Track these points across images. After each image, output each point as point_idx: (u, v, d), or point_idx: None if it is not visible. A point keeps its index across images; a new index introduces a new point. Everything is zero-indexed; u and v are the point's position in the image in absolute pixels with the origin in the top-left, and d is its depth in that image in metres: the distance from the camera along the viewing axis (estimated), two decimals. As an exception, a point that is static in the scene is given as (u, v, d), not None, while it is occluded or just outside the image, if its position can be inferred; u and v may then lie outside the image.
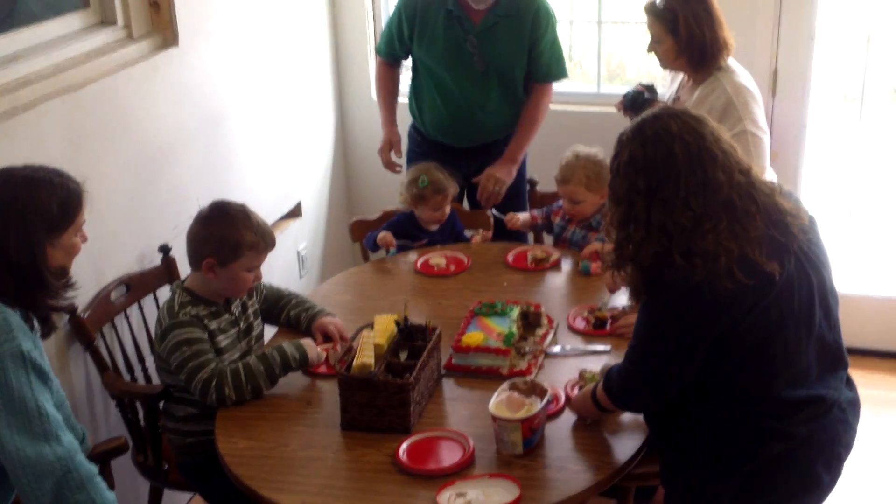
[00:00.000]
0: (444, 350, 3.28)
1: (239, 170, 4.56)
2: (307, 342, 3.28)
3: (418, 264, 4.00)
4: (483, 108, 4.47)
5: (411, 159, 4.65)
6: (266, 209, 4.63)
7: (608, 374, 2.85)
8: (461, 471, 2.78)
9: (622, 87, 4.87)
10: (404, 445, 2.88)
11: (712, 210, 2.52)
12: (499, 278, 3.90)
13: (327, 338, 3.46)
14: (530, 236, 4.46)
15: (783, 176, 4.56)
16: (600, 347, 3.32)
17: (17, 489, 2.58)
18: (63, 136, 3.47)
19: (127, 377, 3.73)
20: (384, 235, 4.20)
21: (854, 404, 2.78)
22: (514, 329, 3.33)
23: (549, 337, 3.39)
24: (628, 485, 3.30)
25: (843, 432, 2.72)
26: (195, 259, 3.26)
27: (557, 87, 5.49)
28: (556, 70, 4.54)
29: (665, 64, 3.97)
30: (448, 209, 4.27)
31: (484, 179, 4.43)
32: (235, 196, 4.27)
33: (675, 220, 2.52)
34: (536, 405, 2.84)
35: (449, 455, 2.85)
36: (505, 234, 4.34)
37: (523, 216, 4.22)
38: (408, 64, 4.72)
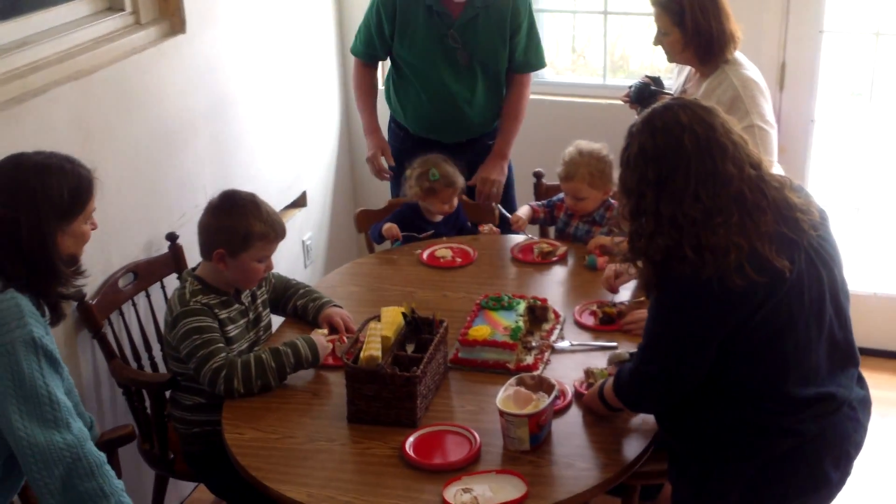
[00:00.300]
0: (450, 343, 3.28)
1: (245, 158, 4.55)
2: (319, 340, 3.27)
3: (424, 256, 3.99)
4: (469, 103, 4.45)
5: (395, 158, 4.58)
6: (272, 198, 4.58)
7: (618, 375, 2.85)
8: (468, 466, 2.78)
9: (627, 80, 4.86)
10: (411, 439, 2.88)
11: (723, 203, 2.52)
12: (505, 271, 3.90)
13: (334, 329, 3.46)
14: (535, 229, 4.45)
15: (791, 170, 4.53)
16: (608, 344, 3.31)
17: (27, 476, 2.58)
18: (71, 122, 3.46)
19: (134, 365, 3.73)
20: (389, 227, 4.19)
21: (865, 402, 2.78)
22: (521, 323, 3.33)
23: (556, 332, 3.39)
24: (634, 483, 3.30)
25: (852, 430, 2.71)
26: (206, 249, 3.26)
27: (563, 78, 5.51)
28: (535, 60, 4.52)
29: (671, 56, 3.96)
30: (456, 201, 4.26)
31: (480, 184, 4.43)
32: (241, 184, 4.28)
33: (685, 212, 2.52)
34: (544, 401, 2.83)
35: (456, 450, 2.85)
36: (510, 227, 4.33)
37: (524, 212, 4.20)
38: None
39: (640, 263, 2.65)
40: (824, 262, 2.64)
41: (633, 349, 2.96)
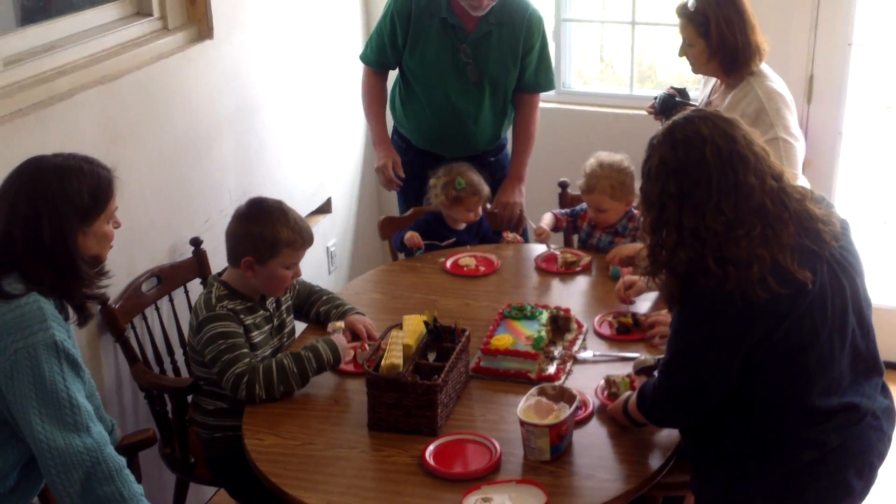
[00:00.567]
0: (471, 352, 3.27)
1: (271, 164, 4.56)
2: (339, 341, 3.28)
3: (447, 264, 3.99)
4: (475, 119, 4.42)
5: None
6: (297, 204, 4.56)
7: (641, 391, 2.83)
8: (487, 475, 2.77)
9: (654, 91, 4.84)
10: (431, 448, 2.87)
11: (745, 215, 2.51)
12: (528, 280, 3.90)
13: (356, 336, 3.46)
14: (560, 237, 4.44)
15: (817, 183, 4.52)
16: (631, 354, 3.29)
17: (46, 478, 2.59)
18: (97, 127, 3.48)
19: (156, 369, 3.74)
20: (411, 236, 4.19)
21: (889, 412, 2.76)
22: (544, 333, 3.32)
23: (579, 342, 3.38)
24: (655, 494, 3.27)
25: (876, 440, 2.70)
26: (234, 257, 3.27)
27: (589, 88, 5.50)
28: (544, 81, 4.49)
29: (696, 68, 3.94)
30: (480, 210, 4.26)
31: (502, 209, 4.41)
32: (266, 191, 4.29)
33: (708, 224, 2.51)
34: (565, 411, 2.82)
35: (476, 459, 2.84)
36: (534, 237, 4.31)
37: (547, 220, 4.19)
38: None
39: (662, 276, 2.63)
40: (846, 272, 2.63)
41: (658, 356, 2.95)
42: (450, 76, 4.33)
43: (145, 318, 3.74)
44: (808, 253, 2.55)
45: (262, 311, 3.33)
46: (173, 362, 3.85)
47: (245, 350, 3.18)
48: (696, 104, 4.06)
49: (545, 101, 4.81)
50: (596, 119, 5.19)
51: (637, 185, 3.84)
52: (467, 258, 4.02)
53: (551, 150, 5.08)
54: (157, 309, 3.80)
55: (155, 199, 3.79)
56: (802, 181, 3.75)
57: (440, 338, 3.18)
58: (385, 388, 2.95)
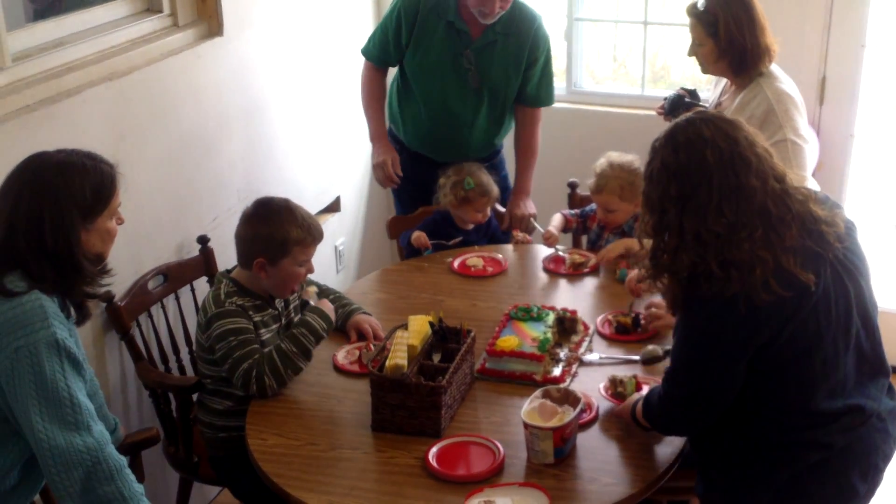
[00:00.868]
0: (477, 353, 3.26)
1: (279, 162, 4.56)
2: (323, 305, 3.30)
3: (455, 264, 3.98)
4: (470, 127, 4.39)
5: None
6: (305, 203, 4.55)
7: (647, 400, 2.81)
8: (490, 478, 2.76)
9: (666, 91, 4.82)
10: (434, 449, 2.86)
11: (746, 217, 2.50)
12: (536, 282, 3.88)
13: (361, 336, 3.45)
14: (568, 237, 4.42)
15: (829, 185, 4.50)
16: (637, 358, 3.27)
17: (47, 477, 2.58)
18: (106, 123, 3.48)
19: (161, 368, 3.74)
20: (418, 236, 4.18)
21: (894, 414, 2.74)
22: (550, 335, 3.30)
23: (585, 344, 3.36)
24: (660, 498, 3.26)
25: (881, 442, 2.69)
26: (245, 259, 3.27)
27: (601, 88, 5.48)
28: (545, 96, 4.46)
29: (705, 67, 3.92)
30: (489, 211, 4.24)
31: (517, 224, 4.36)
32: (275, 189, 4.29)
33: (709, 227, 2.50)
34: (569, 414, 2.80)
35: (479, 461, 2.83)
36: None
37: (556, 221, 4.17)
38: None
39: (664, 280, 2.62)
40: (850, 274, 2.62)
41: (667, 346, 2.95)
42: (449, 80, 4.30)
43: (151, 317, 3.74)
44: (811, 255, 2.54)
45: (270, 310, 3.32)
46: (178, 361, 3.84)
47: (256, 346, 3.18)
48: (706, 106, 4.04)
49: (557, 101, 4.79)
50: (607, 119, 5.17)
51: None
52: (475, 258, 4.01)
53: (561, 150, 5.06)
54: (163, 307, 3.80)
55: (162, 197, 3.79)
56: (812, 183, 3.74)
57: (445, 339, 3.17)
58: (389, 388, 2.94)
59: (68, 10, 3.54)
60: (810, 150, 3.74)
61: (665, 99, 4.15)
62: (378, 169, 4.42)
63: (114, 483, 2.57)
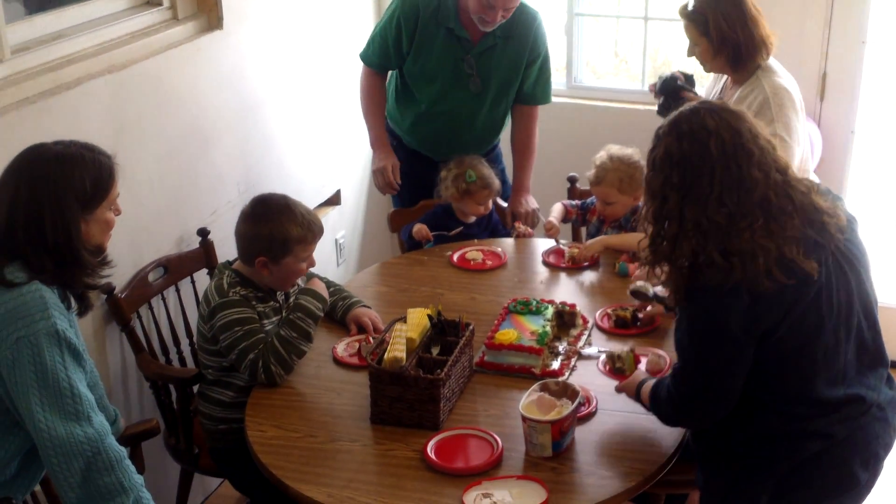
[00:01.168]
0: (476, 346, 3.26)
1: (279, 155, 4.56)
2: (314, 285, 3.32)
3: (454, 258, 3.98)
4: (470, 129, 4.39)
5: None
6: (305, 196, 4.60)
7: (655, 394, 2.79)
8: (489, 471, 2.76)
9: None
10: (433, 442, 2.87)
11: (748, 208, 2.51)
12: (535, 275, 3.88)
13: (361, 329, 3.45)
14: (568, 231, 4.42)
15: (830, 181, 4.46)
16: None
17: (47, 468, 2.59)
18: (105, 116, 3.48)
19: (162, 359, 3.74)
20: (419, 229, 4.18)
21: (894, 403, 2.75)
22: (549, 328, 3.31)
23: (584, 338, 3.36)
24: (658, 492, 3.26)
25: (881, 431, 2.70)
26: (246, 256, 3.28)
27: (601, 83, 5.48)
28: (541, 94, 4.45)
29: (706, 67, 3.93)
30: (490, 204, 4.25)
31: (522, 219, 4.34)
32: (275, 182, 4.29)
33: (710, 216, 2.51)
34: (567, 407, 2.81)
35: (477, 454, 2.83)
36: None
37: (557, 211, 4.17)
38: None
39: (665, 268, 2.62)
40: (851, 264, 2.63)
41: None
42: (450, 85, 4.29)
43: (151, 308, 3.74)
44: (813, 244, 2.55)
45: (272, 302, 3.33)
46: (179, 352, 3.85)
47: (261, 335, 3.20)
48: (697, 93, 4.03)
49: (557, 95, 4.80)
50: (607, 114, 5.17)
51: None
52: (474, 252, 4.01)
53: (561, 145, 5.06)
54: (164, 299, 3.80)
55: (162, 190, 3.79)
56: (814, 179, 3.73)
57: (444, 332, 3.17)
58: (388, 381, 2.95)
59: (68, 3, 3.53)
60: (798, 151, 3.73)
61: (659, 77, 4.16)
62: (378, 175, 4.40)
63: (114, 474, 2.58)
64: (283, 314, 3.35)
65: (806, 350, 2.56)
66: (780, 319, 2.51)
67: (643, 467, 2.79)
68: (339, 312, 3.53)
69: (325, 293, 3.32)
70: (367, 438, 2.96)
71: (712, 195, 2.51)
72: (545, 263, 3.94)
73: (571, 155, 4.79)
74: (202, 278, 3.92)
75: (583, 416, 2.95)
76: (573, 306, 3.45)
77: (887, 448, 2.73)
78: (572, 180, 4.52)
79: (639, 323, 3.41)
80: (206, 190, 4.06)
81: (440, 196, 4.28)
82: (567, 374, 3.17)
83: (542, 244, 4.08)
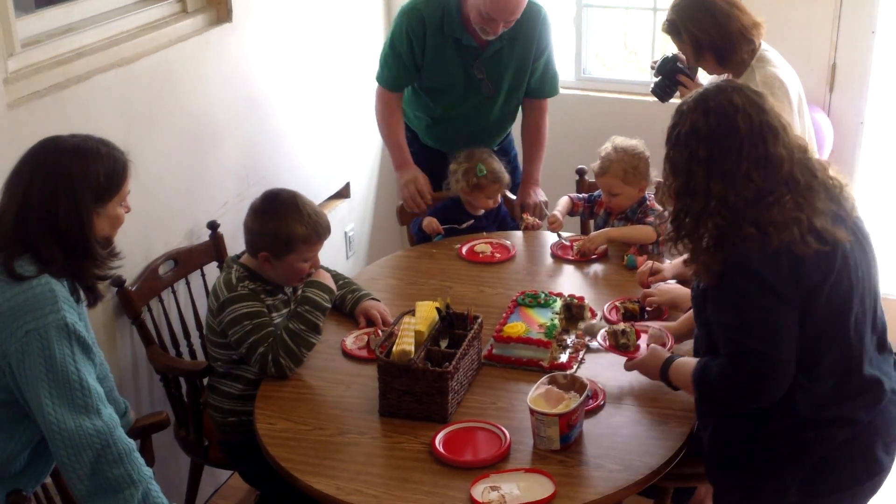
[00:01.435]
0: (484, 339, 3.27)
1: (289, 148, 4.56)
2: (320, 276, 3.33)
3: (463, 251, 3.99)
4: (484, 129, 4.42)
5: None
6: (315, 189, 4.62)
7: (703, 380, 2.66)
8: (496, 464, 2.77)
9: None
10: (441, 435, 2.88)
11: (774, 184, 2.53)
12: (543, 268, 3.89)
13: (370, 322, 3.46)
14: (576, 224, 4.42)
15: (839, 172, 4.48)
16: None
17: (57, 460, 2.60)
18: (115, 109, 3.49)
19: (172, 352, 3.76)
20: (429, 222, 4.19)
21: None
22: (557, 321, 3.31)
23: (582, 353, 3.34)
24: (666, 485, 3.26)
25: None
26: (252, 249, 3.30)
27: (610, 74, 5.47)
28: (549, 87, 4.46)
29: (707, 70, 3.96)
30: (500, 197, 4.25)
31: (531, 211, 4.32)
32: (284, 175, 4.30)
33: (738, 192, 2.53)
34: (575, 400, 2.81)
35: (485, 447, 2.84)
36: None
37: (563, 203, 4.17)
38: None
39: (686, 244, 2.62)
40: (867, 242, 2.68)
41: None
42: (464, 92, 4.30)
43: (161, 301, 3.75)
44: (838, 217, 2.58)
45: (280, 295, 3.35)
46: (189, 345, 3.86)
47: (271, 329, 3.21)
48: (693, 80, 4.03)
49: (565, 87, 4.79)
50: (615, 105, 5.17)
51: (652, 171, 3.86)
52: (483, 245, 4.02)
53: (570, 137, 5.06)
54: (174, 292, 3.82)
55: (172, 183, 3.80)
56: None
57: (453, 325, 3.18)
58: (396, 374, 2.96)
59: (78, -4, 3.55)
60: None
61: (663, 56, 4.17)
62: (406, 188, 4.34)
63: (123, 466, 2.59)
64: (292, 307, 3.36)
65: (842, 317, 2.57)
66: (822, 281, 2.52)
67: (651, 460, 2.79)
68: (348, 305, 3.54)
69: (331, 284, 3.33)
70: (376, 431, 2.97)
71: (740, 172, 2.52)
72: (553, 256, 3.95)
73: (580, 147, 4.78)
74: (212, 271, 3.93)
75: (591, 409, 2.95)
76: (581, 299, 3.45)
77: None
78: (581, 172, 4.51)
79: (647, 315, 3.41)
80: (215, 183, 4.06)
81: (449, 188, 4.28)
82: (575, 367, 3.18)
83: (551, 237, 4.08)
